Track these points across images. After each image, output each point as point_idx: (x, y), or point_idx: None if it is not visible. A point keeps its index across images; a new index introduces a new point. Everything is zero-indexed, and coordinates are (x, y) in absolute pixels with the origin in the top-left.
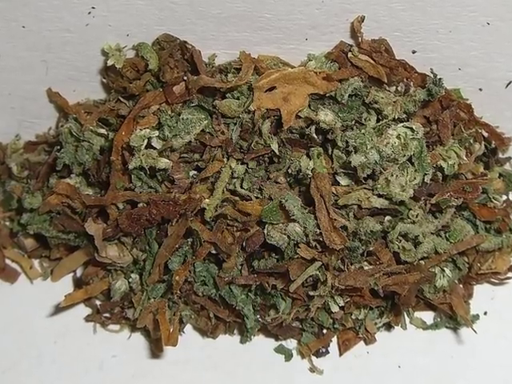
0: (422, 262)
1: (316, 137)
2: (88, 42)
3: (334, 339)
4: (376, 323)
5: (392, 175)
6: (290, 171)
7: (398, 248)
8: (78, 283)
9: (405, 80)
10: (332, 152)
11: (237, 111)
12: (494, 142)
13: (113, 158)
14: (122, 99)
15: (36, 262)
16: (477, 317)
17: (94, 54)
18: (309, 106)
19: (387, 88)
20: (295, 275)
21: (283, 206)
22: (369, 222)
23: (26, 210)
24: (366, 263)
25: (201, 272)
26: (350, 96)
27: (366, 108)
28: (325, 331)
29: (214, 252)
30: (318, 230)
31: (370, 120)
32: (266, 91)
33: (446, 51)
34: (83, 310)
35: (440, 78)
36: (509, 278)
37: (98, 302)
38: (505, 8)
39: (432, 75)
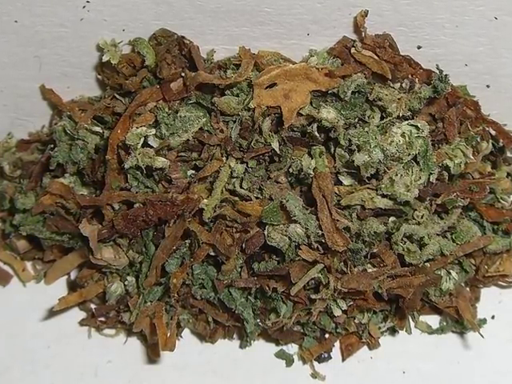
0: (428, 264)
1: (318, 135)
2: (83, 37)
3: (337, 344)
4: (380, 327)
5: (396, 175)
6: (291, 170)
7: (403, 250)
8: (73, 286)
9: (410, 76)
10: (334, 151)
11: (236, 109)
12: (501, 141)
13: (108, 156)
14: (117, 96)
15: (29, 265)
16: (484, 321)
17: (89, 49)
18: (310, 103)
19: (391, 85)
20: (296, 278)
21: (284, 207)
22: (372, 222)
23: (19, 210)
24: (369, 265)
25: (199, 274)
26: (353, 93)
27: (369, 105)
28: (327, 336)
29: (212, 254)
30: (319, 232)
31: (373, 118)
32: (266, 88)
33: (452, 47)
34: (78, 314)
35: (446, 75)
36: None
37: (92, 306)
38: None
39: (438, 71)
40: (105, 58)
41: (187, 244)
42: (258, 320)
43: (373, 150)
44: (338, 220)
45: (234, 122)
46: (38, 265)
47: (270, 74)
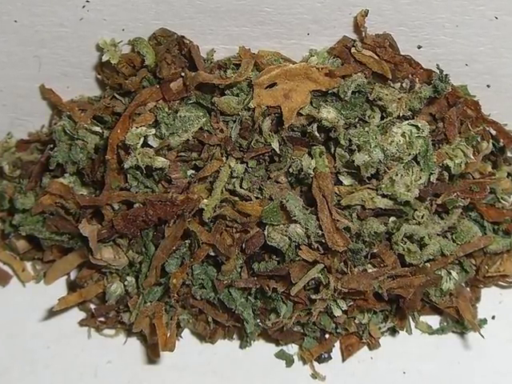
0: (428, 264)
1: (318, 135)
2: (82, 36)
3: (337, 344)
4: (380, 328)
5: (397, 174)
6: (291, 170)
7: (403, 250)
8: (72, 286)
9: (410, 76)
10: (335, 151)
11: (236, 108)
12: (502, 141)
13: (108, 156)
14: (117, 96)
15: (28, 265)
16: (484, 321)
17: (89, 49)
18: (311, 103)
19: (392, 84)
20: (296, 278)
21: (284, 207)
22: (372, 223)
23: (18, 210)
24: (369, 265)
25: (199, 275)
26: (353, 93)
27: (369, 105)
28: (327, 336)
29: (212, 254)
30: (320, 232)
31: (373, 117)
32: (266, 88)
33: (452, 46)
34: (77, 314)
35: (446, 74)
36: None
37: (92, 306)
38: None
39: (438, 71)
40: (104, 58)
41: (187, 244)
42: (258, 320)
43: (373, 149)
44: (338, 220)
45: (234, 121)
46: (37, 265)
47: (270, 74)
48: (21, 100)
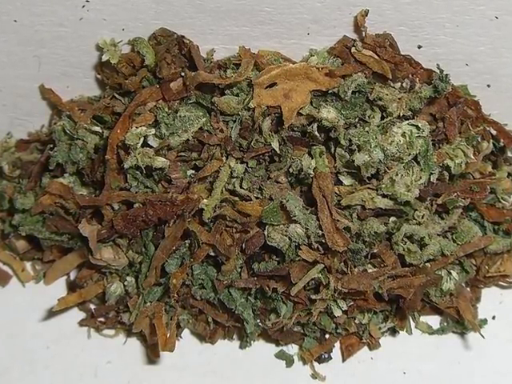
0: (428, 264)
1: (318, 135)
2: (82, 36)
3: (337, 344)
4: (380, 328)
5: (397, 174)
6: (291, 170)
7: (403, 250)
8: (72, 286)
9: (410, 76)
10: (335, 151)
11: (236, 108)
12: (502, 141)
13: (108, 156)
14: (117, 96)
15: (28, 265)
16: (485, 321)
17: (89, 49)
18: (311, 102)
19: (392, 84)
20: (296, 278)
21: (284, 207)
22: (373, 223)
23: (18, 210)
24: (369, 266)
25: (199, 275)
26: (353, 92)
27: (369, 105)
28: (327, 336)
29: (212, 254)
30: (320, 232)
31: (374, 117)
32: (266, 88)
33: (452, 46)
34: (77, 315)
35: (446, 74)
36: None
37: (92, 306)
38: None
39: (438, 71)
40: (104, 58)
41: (187, 244)
42: (258, 320)
43: (373, 149)
44: (338, 220)
45: (234, 121)
46: (37, 265)
47: (270, 74)
48: (21, 100)
